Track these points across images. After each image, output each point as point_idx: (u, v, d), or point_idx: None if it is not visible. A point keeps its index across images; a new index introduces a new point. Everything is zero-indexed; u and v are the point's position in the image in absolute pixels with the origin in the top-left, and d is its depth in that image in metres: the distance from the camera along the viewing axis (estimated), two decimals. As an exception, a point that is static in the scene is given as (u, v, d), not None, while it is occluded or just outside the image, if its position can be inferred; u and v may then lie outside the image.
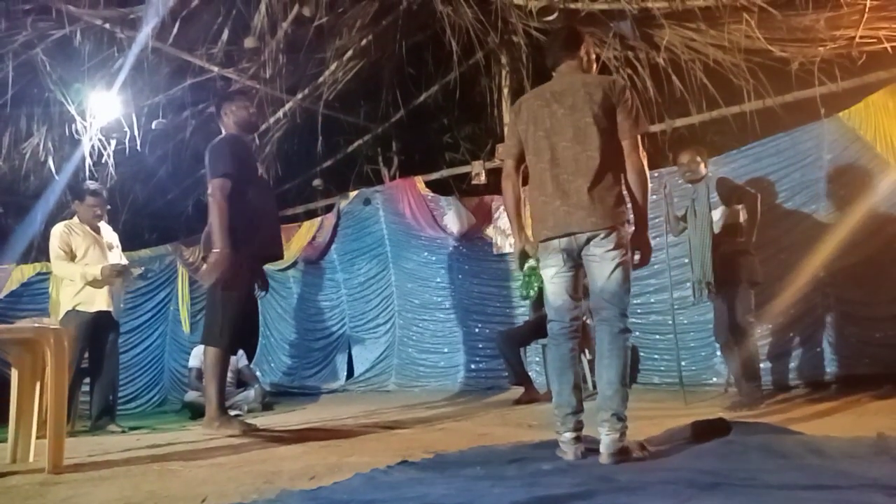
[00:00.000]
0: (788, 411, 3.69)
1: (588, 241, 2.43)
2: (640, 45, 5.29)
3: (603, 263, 2.42)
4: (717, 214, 4.15)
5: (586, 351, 5.20)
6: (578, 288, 2.56)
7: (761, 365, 4.57)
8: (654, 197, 5.42)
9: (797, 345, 4.86)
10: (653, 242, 5.35)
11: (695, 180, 4.28)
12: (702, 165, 4.27)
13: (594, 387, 5.34)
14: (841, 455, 2.14)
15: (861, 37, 4.40)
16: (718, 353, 4.75)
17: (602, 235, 2.41)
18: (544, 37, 5.73)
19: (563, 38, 2.69)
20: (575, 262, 2.51)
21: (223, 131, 3.84)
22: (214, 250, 3.47)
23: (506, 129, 2.75)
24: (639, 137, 2.54)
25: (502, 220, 6.30)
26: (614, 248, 2.41)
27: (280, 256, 3.97)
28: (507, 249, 6.23)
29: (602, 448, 2.30)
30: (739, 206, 4.09)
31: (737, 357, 4.11)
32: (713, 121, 5.49)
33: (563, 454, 2.37)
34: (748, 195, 4.16)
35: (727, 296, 4.07)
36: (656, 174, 5.48)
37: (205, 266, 3.55)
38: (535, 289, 2.82)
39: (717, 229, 4.12)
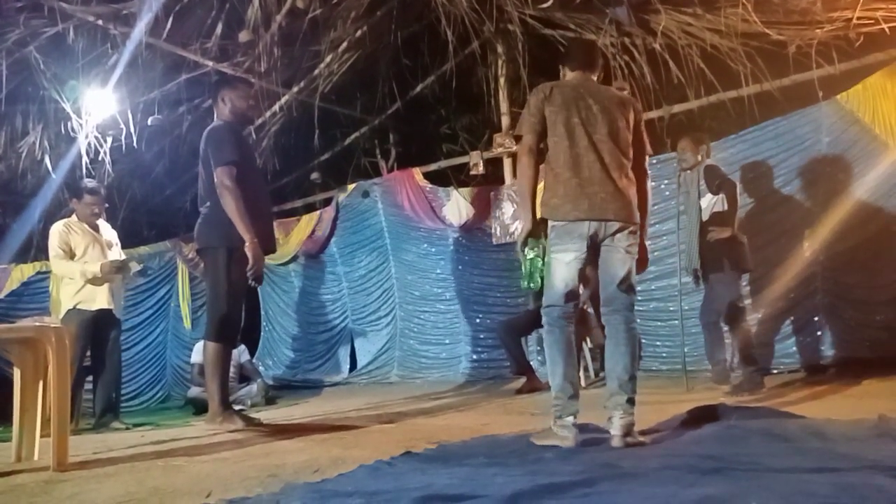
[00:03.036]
0: (789, 395, 3.71)
1: (615, 232, 2.51)
2: (637, 31, 5.26)
3: (626, 257, 2.53)
4: (705, 202, 4.18)
5: (587, 339, 5.22)
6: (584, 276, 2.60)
7: (762, 349, 4.59)
8: (654, 183, 5.46)
9: (797, 329, 4.87)
10: (653, 229, 5.46)
11: (689, 168, 4.29)
12: (695, 154, 4.26)
13: (596, 374, 5.38)
14: (842, 438, 2.15)
15: (858, 18, 4.37)
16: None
17: (631, 229, 2.54)
18: (540, 24, 5.71)
19: (593, 52, 2.84)
20: (594, 249, 2.55)
21: (216, 118, 3.77)
22: (246, 244, 3.42)
23: (527, 108, 2.66)
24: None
25: (501, 210, 6.29)
26: (636, 245, 2.56)
27: (273, 251, 3.95)
28: (508, 240, 6.24)
29: (615, 431, 2.35)
30: (721, 195, 4.11)
31: (720, 339, 4.26)
32: (711, 106, 5.47)
33: (563, 440, 2.37)
34: (727, 183, 4.17)
35: (714, 282, 4.10)
36: (654, 160, 5.48)
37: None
38: (538, 279, 2.75)
39: (705, 217, 4.15)
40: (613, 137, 2.55)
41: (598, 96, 2.61)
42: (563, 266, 2.52)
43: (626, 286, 2.52)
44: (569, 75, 2.75)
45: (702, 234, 4.11)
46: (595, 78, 2.76)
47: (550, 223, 2.57)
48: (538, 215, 2.59)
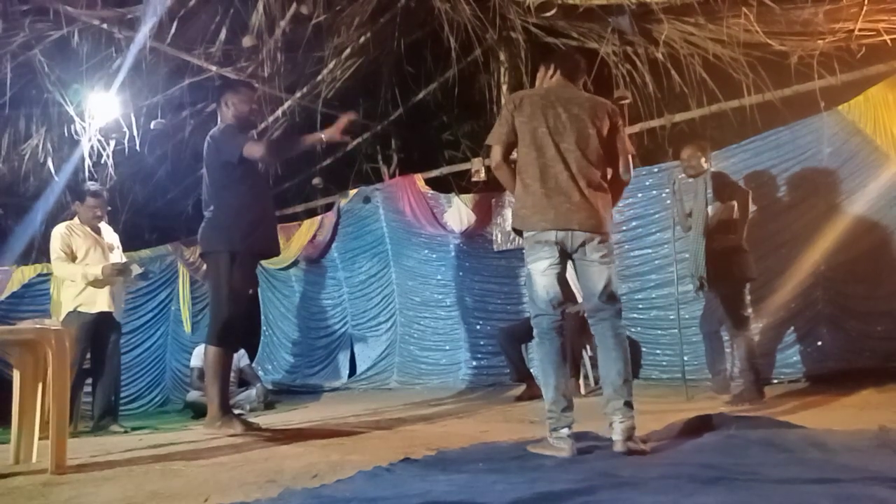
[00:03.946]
0: (789, 405, 3.69)
1: (583, 243, 2.51)
2: (639, 40, 5.27)
3: (601, 268, 2.53)
4: (712, 210, 4.17)
5: (587, 347, 5.21)
6: (564, 283, 2.60)
7: (763, 359, 4.57)
8: (655, 191, 5.48)
9: (798, 339, 4.86)
10: (654, 238, 5.45)
11: (695, 175, 4.29)
12: (702, 160, 4.27)
13: (596, 382, 5.37)
14: (842, 448, 2.14)
15: (860, 29, 4.39)
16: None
17: (598, 240, 2.53)
18: (542, 33, 5.73)
19: (578, 64, 2.81)
20: (566, 257, 2.57)
21: (219, 121, 3.78)
22: (323, 137, 3.55)
23: (498, 118, 2.69)
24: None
25: (502, 216, 6.30)
26: (609, 254, 2.55)
27: (276, 254, 3.96)
28: (509, 246, 6.25)
29: (616, 436, 2.35)
30: (732, 203, 4.10)
31: (721, 349, 4.31)
32: (713, 115, 5.48)
33: (560, 451, 2.36)
34: (740, 191, 4.17)
35: (720, 291, 4.09)
36: (656, 169, 5.49)
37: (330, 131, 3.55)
38: None
39: (711, 224, 4.14)
40: (582, 146, 2.55)
41: (570, 104, 2.61)
42: (540, 275, 2.54)
43: (608, 296, 2.51)
44: (548, 81, 2.77)
45: (708, 242, 4.10)
46: (576, 86, 2.74)
47: (524, 234, 2.61)
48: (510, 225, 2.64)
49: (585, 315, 2.63)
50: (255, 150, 3.50)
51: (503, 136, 2.63)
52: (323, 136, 3.56)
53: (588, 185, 2.53)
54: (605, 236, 2.54)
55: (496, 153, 2.66)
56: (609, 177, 2.67)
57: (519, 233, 2.67)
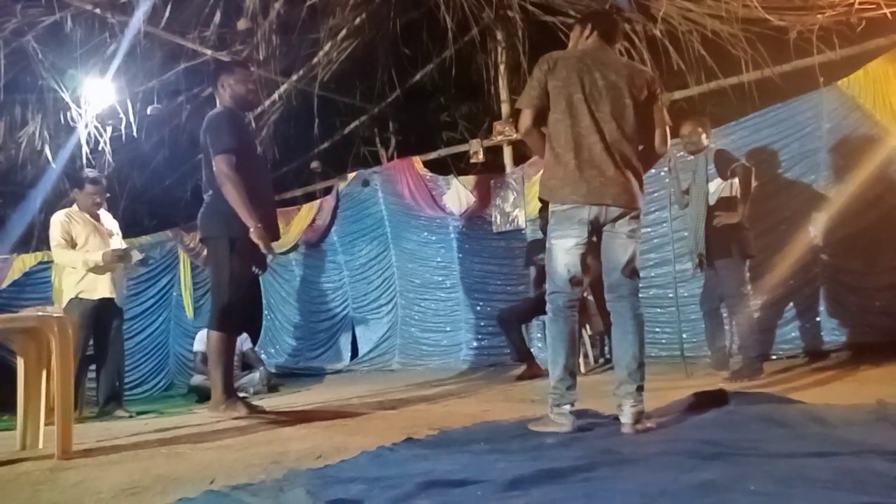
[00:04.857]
0: (789, 381, 3.72)
1: (617, 218, 2.46)
2: (637, 17, 5.22)
3: (627, 242, 2.48)
4: (713, 186, 4.15)
5: (587, 326, 5.23)
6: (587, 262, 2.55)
7: (763, 336, 4.60)
8: (654, 170, 5.46)
9: (797, 315, 4.88)
10: (653, 216, 5.44)
11: (696, 151, 4.28)
12: (703, 136, 4.25)
13: (595, 361, 5.40)
14: (841, 423, 2.16)
15: (860, 3, 4.33)
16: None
17: (632, 215, 2.47)
18: (540, 11, 5.68)
19: (615, 26, 2.68)
20: (595, 235, 2.51)
21: (218, 104, 3.74)
22: (251, 231, 3.42)
23: (529, 80, 2.53)
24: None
25: (501, 198, 6.29)
26: (637, 229, 2.50)
27: (276, 238, 3.94)
28: (508, 227, 6.26)
29: (625, 419, 2.34)
30: (734, 179, 4.09)
31: (720, 326, 4.29)
32: (711, 92, 5.44)
33: (561, 426, 2.37)
34: (743, 168, 4.15)
35: (720, 268, 4.09)
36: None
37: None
38: None
39: (712, 201, 4.13)
40: (617, 116, 2.44)
41: (606, 69, 2.48)
42: (563, 252, 2.47)
43: (630, 271, 2.47)
44: (583, 42, 2.62)
45: (708, 218, 4.10)
46: (611, 49, 2.61)
47: (550, 207, 2.53)
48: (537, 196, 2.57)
49: (588, 295, 2.62)
50: (223, 166, 3.43)
51: (535, 100, 2.49)
52: (255, 235, 3.44)
53: (625, 160, 2.44)
54: (638, 211, 2.49)
55: (526, 117, 2.52)
56: (642, 148, 2.57)
57: (545, 203, 2.61)
